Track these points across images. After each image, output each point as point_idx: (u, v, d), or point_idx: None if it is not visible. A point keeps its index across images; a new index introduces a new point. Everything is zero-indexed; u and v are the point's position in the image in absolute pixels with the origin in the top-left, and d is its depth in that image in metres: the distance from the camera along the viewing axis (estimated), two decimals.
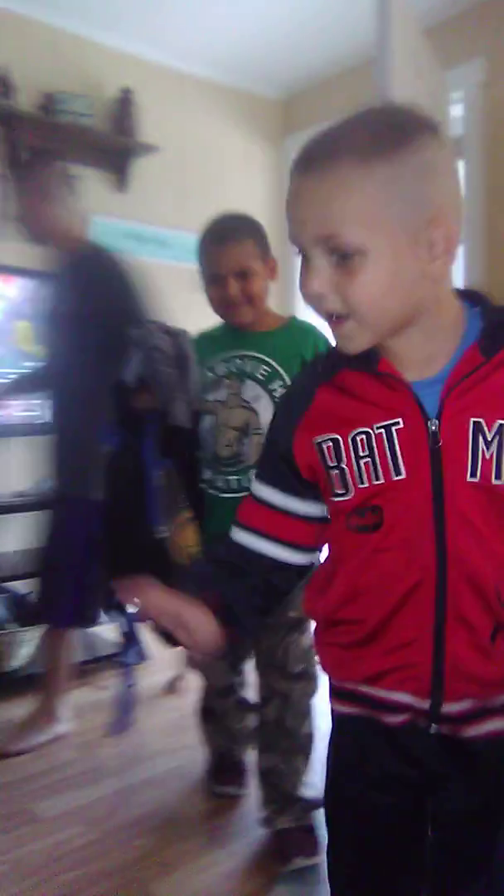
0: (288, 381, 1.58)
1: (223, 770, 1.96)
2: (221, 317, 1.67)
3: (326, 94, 3.60)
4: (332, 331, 0.79)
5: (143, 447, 1.63)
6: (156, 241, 3.35)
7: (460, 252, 0.71)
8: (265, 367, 1.61)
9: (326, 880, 0.93)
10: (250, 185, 3.71)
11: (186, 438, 1.64)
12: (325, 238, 0.72)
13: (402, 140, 0.71)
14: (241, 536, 0.93)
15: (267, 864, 1.64)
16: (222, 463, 1.63)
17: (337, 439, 0.83)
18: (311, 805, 1.66)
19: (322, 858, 1.35)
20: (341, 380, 0.84)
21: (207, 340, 1.73)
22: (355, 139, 0.72)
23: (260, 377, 1.61)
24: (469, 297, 0.83)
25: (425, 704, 0.81)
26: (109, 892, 1.55)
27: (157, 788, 1.97)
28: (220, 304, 1.62)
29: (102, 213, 3.04)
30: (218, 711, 1.92)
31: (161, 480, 1.63)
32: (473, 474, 0.77)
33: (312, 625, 0.94)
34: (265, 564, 0.91)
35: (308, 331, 1.67)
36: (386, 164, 0.70)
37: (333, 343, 0.82)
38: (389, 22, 2.17)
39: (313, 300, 0.76)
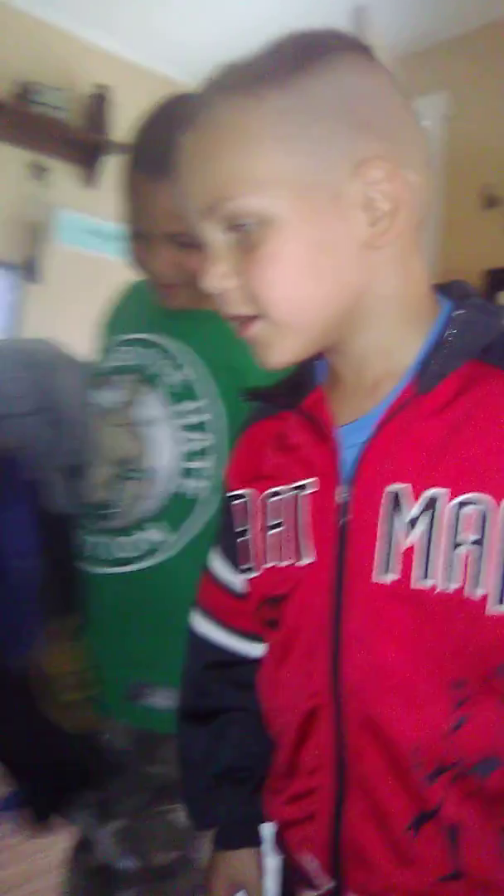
0: (211, 404, 0.92)
1: None
2: (155, 292, 0.99)
3: None
4: (244, 338, 0.58)
5: None
6: (120, 238, 3.35)
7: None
8: (179, 373, 0.94)
9: None
10: None
11: (66, 521, 1.04)
12: (210, 207, 0.54)
13: (305, 61, 0.52)
14: (203, 626, 0.74)
15: None
16: (96, 514, 0.99)
17: (244, 498, 0.66)
18: None
19: None
20: (284, 414, 0.65)
21: (129, 302, 1.12)
22: (244, 70, 0.54)
23: (168, 388, 0.94)
24: (448, 291, 0.60)
25: (329, 884, 0.58)
26: None
27: None
28: (150, 278, 0.98)
29: (69, 207, 3.11)
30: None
31: (28, 576, 1.00)
32: (384, 571, 0.54)
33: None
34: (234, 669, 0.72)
35: None
36: (280, 92, 0.51)
37: None
38: None
39: (217, 298, 0.57)
